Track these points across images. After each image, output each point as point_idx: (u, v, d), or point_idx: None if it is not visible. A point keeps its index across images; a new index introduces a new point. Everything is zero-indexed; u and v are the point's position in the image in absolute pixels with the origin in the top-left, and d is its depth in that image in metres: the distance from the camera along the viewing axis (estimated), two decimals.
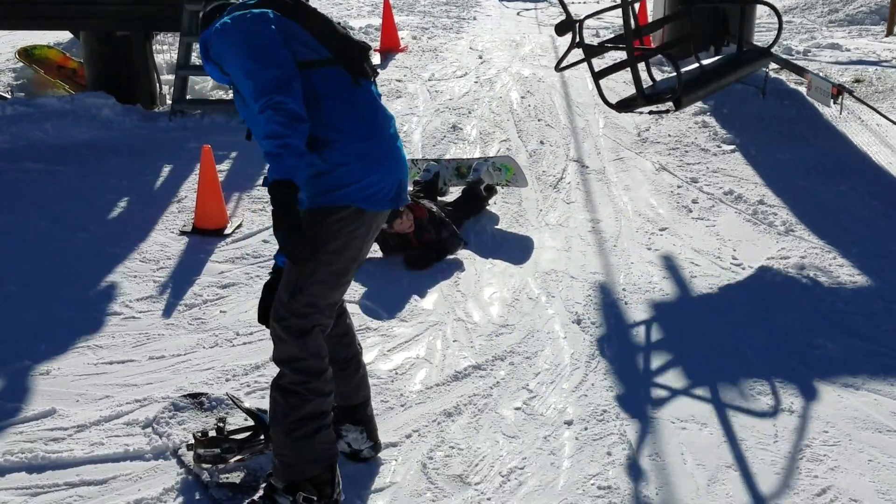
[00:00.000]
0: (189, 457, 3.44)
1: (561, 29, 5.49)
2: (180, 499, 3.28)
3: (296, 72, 2.89)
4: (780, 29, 5.92)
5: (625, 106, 5.61)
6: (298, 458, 3.06)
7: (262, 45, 2.89)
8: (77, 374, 4.13)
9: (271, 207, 2.84)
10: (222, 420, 3.46)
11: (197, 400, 3.87)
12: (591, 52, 5.52)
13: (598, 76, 5.51)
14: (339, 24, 3.12)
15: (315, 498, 3.06)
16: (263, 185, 2.90)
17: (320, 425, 3.06)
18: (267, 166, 2.85)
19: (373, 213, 3.07)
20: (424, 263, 5.26)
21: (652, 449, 3.58)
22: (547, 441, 3.64)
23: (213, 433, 3.42)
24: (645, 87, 5.32)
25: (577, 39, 5.39)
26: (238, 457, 3.40)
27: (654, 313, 4.72)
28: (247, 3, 3.06)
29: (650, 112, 5.78)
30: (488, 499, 3.29)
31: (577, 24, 5.38)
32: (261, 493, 3.18)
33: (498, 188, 6.25)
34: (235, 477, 3.38)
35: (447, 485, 3.37)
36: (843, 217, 5.91)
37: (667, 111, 5.47)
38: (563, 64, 5.63)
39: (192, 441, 3.43)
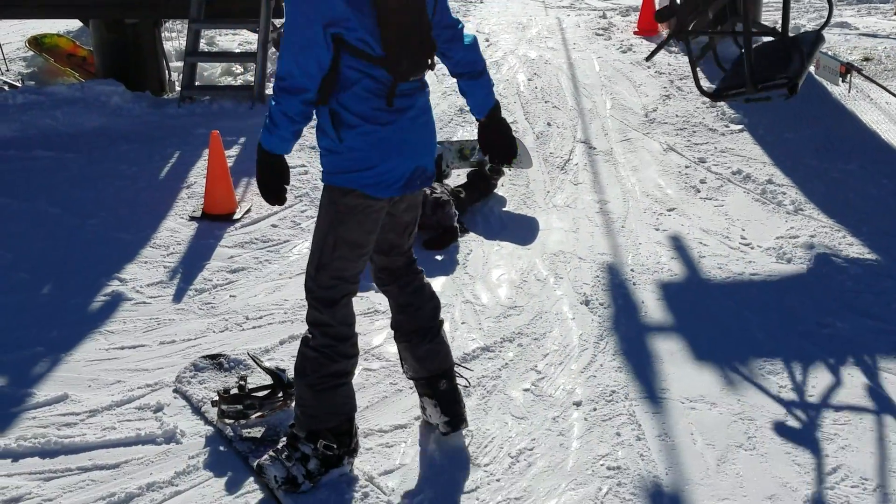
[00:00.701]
0: (213, 413, 3.63)
1: (662, 16, 5.41)
2: (191, 481, 3.31)
3: (314, 81, 2.92)
4: (830, 12, 5.85)
5: (723, 95, 5.48)
6: (320, 410, 3.24)
7: (300, 30, 2.89)
8: (89, 360, 4.16)
9: (257, 161, 3.11)
10: (243, 378, 3.65)
11: (216, 360, 4.01)
12: (692, 37, 5.38)
13: (696, 62, 5.41)
14: (420, 18, 3.03)
15: (334, 446, 3.24)
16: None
17: (342, 382, 3.25)
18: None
19: (374, 198, 3.10)
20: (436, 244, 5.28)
21: (661, 429, 3.59)
22: (556, 422, 3.65)
23: (235, 391, 3.60)
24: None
25: (681, 28, 5.27)
26: (259, 413, 3.58)
27: (662, 294, 4.72)
28: None
29: (746, 100, 5.50)
30: (497, 480, 3.31)
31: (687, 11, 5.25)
32: (284, 441, 3.32)
33: (503, 169, 6.22)
34: (257, 432, 3.55)
35: (456, 466, 3.39)
36: (852, 196, 5.89)
37: (766, 98, 5.21)
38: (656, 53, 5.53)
39: (216, 398, 3.60)
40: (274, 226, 5.63)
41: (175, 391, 3.86)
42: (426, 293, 3.48)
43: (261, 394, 3.63)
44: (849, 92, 7.64)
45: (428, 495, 3.24)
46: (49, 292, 4.80)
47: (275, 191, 3.14)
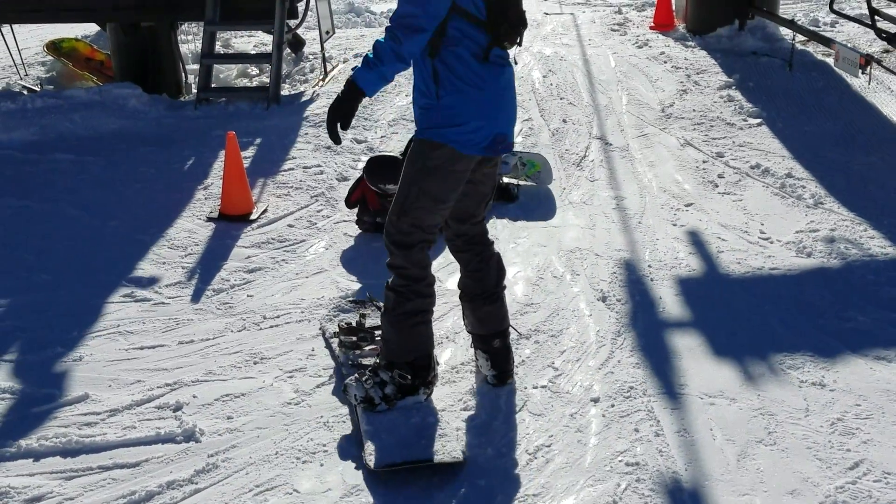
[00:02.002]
0: (335, 343, 4.16)
1: None
2: (211, 479, 3.33)
3: (434, 22, 3.27)
4: None
5: None
6: (398, 345, 3.64)
7: None
8: (109, 360, 4.19)
9: (341, 92, 3.45)
10: (363, 315, 4.16)
11: (357, 303, 4.55)
12: None
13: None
14: None
15: (409, 377, 3.62)
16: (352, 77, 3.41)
17: (418, 321, 3.62)
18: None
19: (469, 155, 3.47)
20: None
21: (680, 425, 3.57)
22: (573, 419, 3.64)
23: (353, 324, 4.14)
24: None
25: None
26: (371, 346, 4.07)
27: (680, 289, 4.69)
28: None
29: None
30: (515, 476, 3.30)
31: None
32: (371, 368, 3.76)
33: (521, 182, 6.07)
34: (367, 361, 3.98)
35: (474, 463, 3.38)
36: (873, 188, 5.84)
37: None
38: None
39: (338, 330, 4.15)
40: (290, 225, 5.65)
41: (320, 327, 4.39)
42: (494, 262, 3.82)
43: (377, 332, 4.03)
44: (868, 84, 7.58)
45: (446, 493, 3.24)
46: (70, 293, 4.84)
47: (342, 126, 3.49)
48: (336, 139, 3.54)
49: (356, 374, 3.70)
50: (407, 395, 3.65)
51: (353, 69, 3.45)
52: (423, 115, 3.50)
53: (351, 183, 5.82)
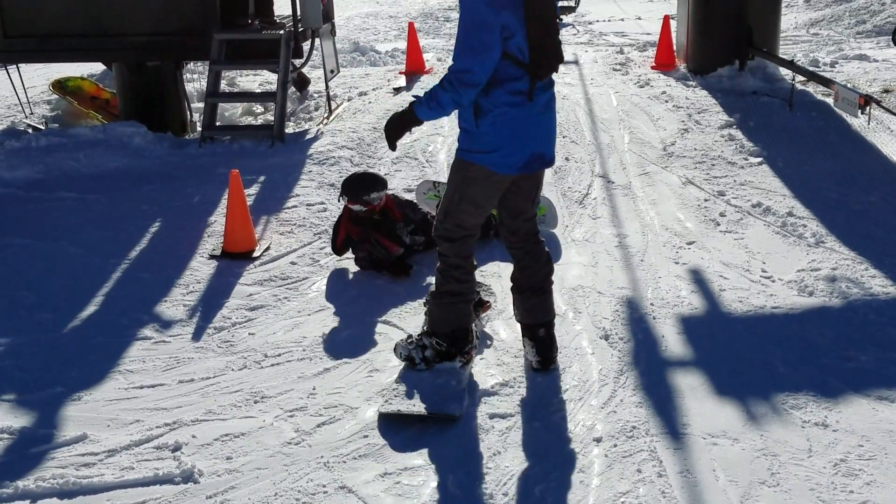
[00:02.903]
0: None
1: None
2: None
3: (488, 75, 3.70)
4: None
5: None
6: (439, 317, 4.23)
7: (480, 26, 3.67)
8: (108, 399, 4.18)
9: (399, 113, 3.99)
10: None
11: None
12: None
13: None
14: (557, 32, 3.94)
15: (445, 345, 4.19)
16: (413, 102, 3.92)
17: (457, 301, 4.19)
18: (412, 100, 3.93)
19: (500, 174, 3.93)
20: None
21: (683, 465, 3.54)
22: (576, 458, 3.61)
23: None
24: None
25: None
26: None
27: (682, 328, 4.68)
28: None
29: None
30: None
31: None
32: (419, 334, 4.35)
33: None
34: None
35: (474, 502, 3.35)
36: (873, 228, 5.84)
37: None
38: None
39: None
40: (293, 263, 5.65)
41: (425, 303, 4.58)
42: (543, 259, 4.24)
43: None
44: (868, 124, 7.61)
45: None
46: (70, 332, 4.84)
47: (398, 140, 4.07)
48: (393, 147, 4.08)
49: (405, 337, 4.35)
50: (444, 360, 4.22)
51: (413, 100, 3.92)
52: (463, 136, 3.94)
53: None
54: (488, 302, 4.87)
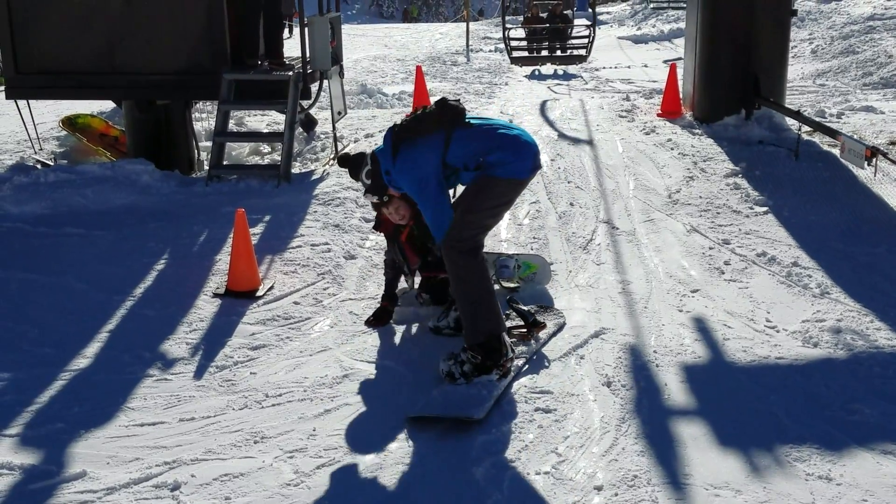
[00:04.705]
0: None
1: None
2: None
3: (442, 193, 4.62)
4: None
5: None
6: (467, 328, 4.59)
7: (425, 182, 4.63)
8: (109, 437, 4.16)
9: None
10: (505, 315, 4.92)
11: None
12: None
13: None
14: (428, 107, 4.76)
15: (480, 357, 4.51)
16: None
17: (477, 308, 4.57)
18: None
19: (519, 180, 4.73)
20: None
21: None
22: None
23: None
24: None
25: None
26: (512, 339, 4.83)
27: (685, 376, 4.66)
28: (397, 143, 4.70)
29: None
30: None
31: None
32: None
33: (516, 284, 5.86)
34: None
35: None
36: (879, 280, 5.83)
37: None
38: None
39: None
40: (296, 303, 5.66)
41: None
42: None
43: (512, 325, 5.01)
44: (874, 175, 7.63)
45: None
46: (72, 368, 4.83)
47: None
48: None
49: (447, 355, 4.62)
50: (482, 373, 4.49)
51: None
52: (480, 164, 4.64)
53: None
54: (543, 323, 5.10)
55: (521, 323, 5.06)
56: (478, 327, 4.54)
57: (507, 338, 4.65)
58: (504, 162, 4.59)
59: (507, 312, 5.09)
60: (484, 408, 4.23)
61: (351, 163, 5.27)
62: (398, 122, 4.79)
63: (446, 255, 4.57)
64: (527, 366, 4.77)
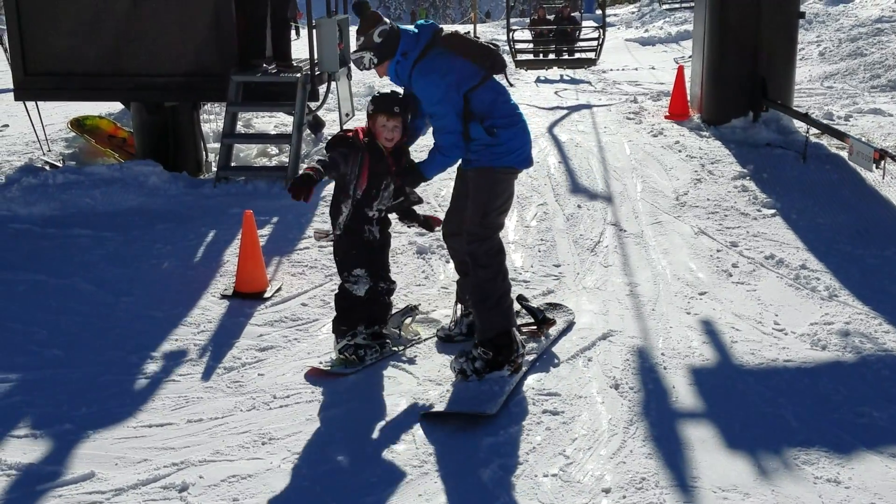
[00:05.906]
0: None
1: None
2: None
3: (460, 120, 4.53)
4: None
5: None
6: (478, 325, 4.68)
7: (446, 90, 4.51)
8: (116, 438, 4.17)
9: (408, 174, 4.76)
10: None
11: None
12: None
13: None
14: (481, 41, 4.74)
15: (491, 354, 4.57)
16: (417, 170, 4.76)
17: (492, 305, 4.64)
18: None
19: (520, 169, 4.74)
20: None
21: None
22: None
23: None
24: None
25: None
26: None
27: (693, 379, 4.65)
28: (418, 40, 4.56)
29: None
30: None
31: None
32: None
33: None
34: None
35: None
36: (888, 282, 5.81)
37: None
38: None
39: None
40: (304, 304, 5.66)
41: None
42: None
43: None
44: (883, 178, 7.61)
45: None
46: (80, 369, 4.84)
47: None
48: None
49: (459, 352, 4.67)
50: (493, 369, 4.55)
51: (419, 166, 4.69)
52: (483, 150, 4.57)
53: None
54: (553, 320, 5.16)
55: (532, 320, 5.10)
56: (489, 324, 4.59)
57: (517, 334, 4.68)
58: (512, 150, 4.60)
59: (518, 310, 5.10)
60: (497, 403, 4.28)
61: (365, 11, 4.61)
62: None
63: (471, 254, 4.62)
64: (537, 363, 4.78)
